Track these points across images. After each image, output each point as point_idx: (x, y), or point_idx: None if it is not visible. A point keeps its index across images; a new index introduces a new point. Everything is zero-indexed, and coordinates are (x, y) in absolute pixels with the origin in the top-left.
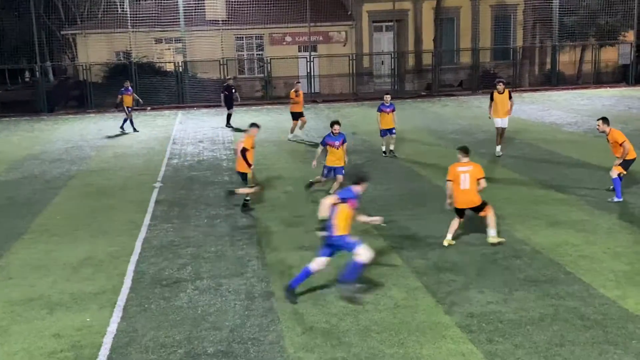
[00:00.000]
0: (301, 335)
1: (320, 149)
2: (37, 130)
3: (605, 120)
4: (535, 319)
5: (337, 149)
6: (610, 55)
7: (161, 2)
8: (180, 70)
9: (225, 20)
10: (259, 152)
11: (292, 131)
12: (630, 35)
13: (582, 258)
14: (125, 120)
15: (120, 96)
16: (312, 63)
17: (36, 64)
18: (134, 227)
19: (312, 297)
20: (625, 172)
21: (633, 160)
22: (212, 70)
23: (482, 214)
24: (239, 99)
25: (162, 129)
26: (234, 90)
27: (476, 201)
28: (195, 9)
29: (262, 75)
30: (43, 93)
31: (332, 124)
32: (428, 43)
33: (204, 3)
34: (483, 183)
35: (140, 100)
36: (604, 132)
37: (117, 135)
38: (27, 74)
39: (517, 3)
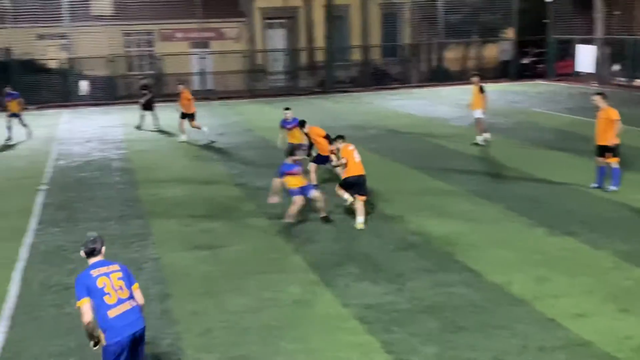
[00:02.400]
0: (199, 335)
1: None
2: None
3: (603, 96)
4: (428, 307)
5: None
6: (492, 52)
7: None
8: (66, 67)
9: (113, 16)
10: (152, 151)
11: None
12: (510, 33)
13: (470, 247)
14: (8, 129)
15: (7, 102)
16: (204, 60)
17: None
18: (19, 232)
19: (210, 297)
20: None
21: (618, 145)
22: (99, 68)
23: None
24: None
25: (46, 129)
26: (149, 91)
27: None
28: (80, 4)
29: (152, 72)
30: None
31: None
32: (320, 40)
33: None
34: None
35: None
36: (598, 107)
37: None
38: None
39: (404, 1)
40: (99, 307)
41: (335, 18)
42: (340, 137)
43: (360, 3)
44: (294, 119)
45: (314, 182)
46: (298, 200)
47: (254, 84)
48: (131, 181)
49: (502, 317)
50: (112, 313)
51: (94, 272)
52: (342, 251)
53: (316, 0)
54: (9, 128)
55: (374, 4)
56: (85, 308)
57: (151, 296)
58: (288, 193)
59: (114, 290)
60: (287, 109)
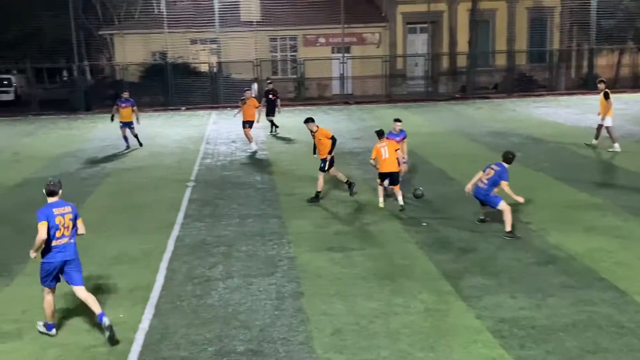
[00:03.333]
0: (330, 336)
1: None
2: (74, 128)
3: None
4: (568, 325)
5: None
6: None
7: (197, 3)
8: (215, 70)
9: (260, 21)
10: (291, 152)
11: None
12: None
13: (617, 264)
14: (125, 139)
15: (115, 107)
16: (345, 64)
17: (74, 63)
18: (167, 225)
19: (341, 298)
20: None
21: None
22: (245, 71)
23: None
24: (280, 108)
25: (195, 129)
26: (275, 96)
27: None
28: (230, 10)
29: (295, 76)
30: (80, 92)
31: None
32: (463, 45)
33: (238, 4)
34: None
35: (139, 120)
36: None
37: (151, 135)
38: (64, 73)
39: (554, 5)
40: (49, 236)
41: (479, 22)
42: (379, 134)
43: (507, 7)
44: (401, 131)
45: (319, 189)
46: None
47: (392, 88)
48: (270, 181)
49: None
50: (55, 243)
51: (55, 211)
52: (477, 261)
53: (461, 4)
54: (126, 138)
55: (522, 8)
56: (44, 228)
57: (285, 294)
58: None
59: (64, 228)
60: (397, 120)
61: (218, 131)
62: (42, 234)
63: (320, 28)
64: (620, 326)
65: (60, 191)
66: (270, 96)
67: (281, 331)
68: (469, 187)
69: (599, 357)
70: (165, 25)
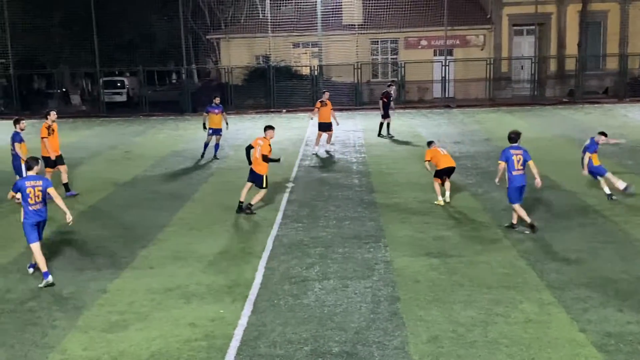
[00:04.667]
0: (426, 343)
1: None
2: (181, 129)
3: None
4: None
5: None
6: None
7: (300, 8)
8: (316, 73)
9: (362, 25)
10: (389, 156)
11: (316, 143)
12: None
13: None
14: (206, 146)
15: (205, 114)
16: (447, 67)
17: (183, 66)
18: (267, 224)
19: (438, 305)
20: None
21: None
22: (346, 74)
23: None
24: (394, 108)
25: (296, 131)
26: (392, 98)
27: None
28: (332, 14)
29: (395, 79)
30: (188, 94)
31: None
32: (571, 48)
33: (341, 8)
34: None
35: (228, 125)
36: None
37: (253, 136)
38: (173, 76)
39: None
40: (25, 202)
41: (590, 24)
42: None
43: (619, 8)
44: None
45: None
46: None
47: (496, 92)
48: (368, 184)
49: None
50: (31, 208)
51: (28, 183)
52: (582, 272)
53: (570, 5)
54: (206, 145)
55: (636, 9)
56: (18, 195)
57: (381, 297)
58: None
59: (35, 197)
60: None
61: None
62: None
63: (423, 30)
64: None
65: (36, 167)
66: (384, 99)
67: (376, 335)
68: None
69: None
70: (269, 29)
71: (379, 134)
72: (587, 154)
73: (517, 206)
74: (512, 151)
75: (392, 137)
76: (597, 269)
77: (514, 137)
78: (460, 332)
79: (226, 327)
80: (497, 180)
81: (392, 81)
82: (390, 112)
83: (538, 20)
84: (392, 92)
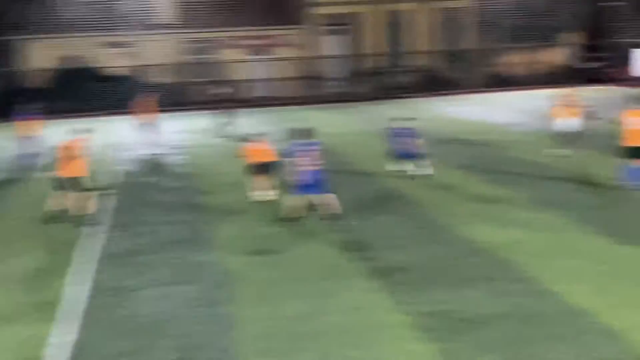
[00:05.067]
0: (256, 340)
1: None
2: None
3: None
4: (488, 316)
5: None
6: (555, 57)
7: (110, 7)
8: (129, 74)
9: (176, 24)
10: (213, 157)
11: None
12: (575, 37)
13: (531, 256)
14: (19, 156)
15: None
16: (261, 66)
17: None
18: (86, 234)
19: (267, 302)
20: None
21: None
22: (163, 75)
23: None
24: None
25: (115, 135)
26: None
27: None
28: (144, 13)
29: (213, 79)
30: None
31: None
32: (380, 46)
33: (154, 7)
34: None
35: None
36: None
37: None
38: None
39: (465, 6)
40: None
41: (395, 24)
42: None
43: (421, 9)
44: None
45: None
46: None
47: (311, 90)
48: (193, 186)
49: (563, 328)
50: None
51: None
52: (402, 258)
53: (379, 5)
54: (21, 155)
55: (435, 10)
56: None
57: (211, 300)
58: None
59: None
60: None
61: (131, 137)
62: None
63: (236, 30)
64: (537, 315)
65: None
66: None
67: (205, 338)
68: None
69: (519, 346)
70: (75, 29)
71: (219, 135)
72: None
73: (316, 197)
74: (303, 147)
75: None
76: (416, 254)
77: (304, 133)
78: (290, 326)
79: (37, 349)
80: (288, 176)
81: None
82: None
83: (347, 20)
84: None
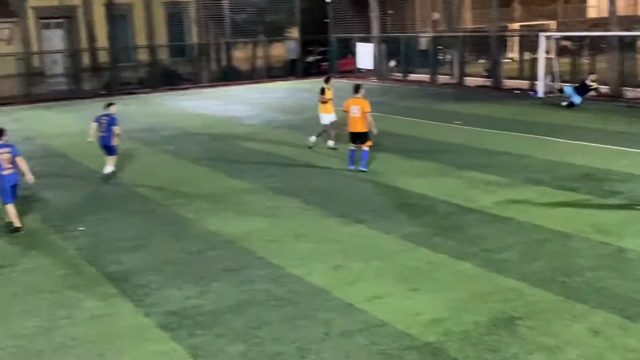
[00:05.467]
0: None
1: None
2: None
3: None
4: (232, 306)
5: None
6: (279, 51)
7: None
8: None
9: None
10: None
11: None
12: (295, 32)
13: (270, 242)
14: None
15: None
16: None
17: None
18: None
19: None
20: None
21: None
22: None
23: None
24: None
25: None
26: None
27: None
28: None
29: None
30: None
31: None
32: (103, 40)
33: None
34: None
35: None
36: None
37: None
38: None
39: (189, 1)
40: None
41: (117, 17)
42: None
43: (143, 2)
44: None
45: None
46: None
47: (32, 88)
48: None
49: (305, 307)
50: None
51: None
52: (139, 259)
53: None
54: None
55: (158, 4)
56: None
57: None
58: None
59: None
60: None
61: None
62: None
63: None
64: (279, 299)
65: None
66: None
67: None
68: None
69: (264, 331)
70: None
71: None
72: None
73: (9, 206)
74: None
75: None
76: (154, 253)
77: None
78: (23, 344)
79: None
80: None
81: None
82: None
83: (65, 13)
84: None
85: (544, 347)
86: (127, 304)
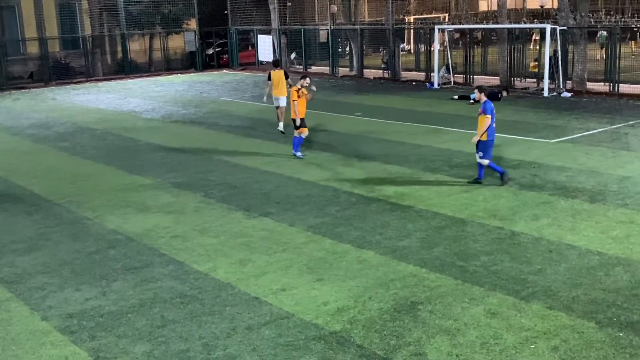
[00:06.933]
0: None
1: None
2: None
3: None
4: (135, 305)
5: None
6: (178, 43)
7: None
8: None
9: None
10: None
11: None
12: (193, 24)
13: (174, 238)
14: None
15: None
16: None
17: None
18: None
19: None
20: None
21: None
22: None
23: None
24: None
25: None
26: None
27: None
28: None
29: None
30: None
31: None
32: None
33: None
34: None
35: None
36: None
37: None
38: None
39: None
40: None
41: (4, 8)
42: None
43: None
44: None
45: None
46: None
47: None
48: None
49: (210, 303)
50: None
51: None
52: (34, 261)
53: None
54: None
55: None
56: None
57: None
58: None
59: None
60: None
61: None
62: None
63: None
64: (184, 296)
65: None
66: None
67: None
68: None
69: (169, 330)
70: None
71: None
72: None
73: None
74: None
75: None
76: (50, 254)
77: None
78: None
79: None
80: None
81: None
82: None
83: None
84: None
85: (445, 330)
86: (23, 308)
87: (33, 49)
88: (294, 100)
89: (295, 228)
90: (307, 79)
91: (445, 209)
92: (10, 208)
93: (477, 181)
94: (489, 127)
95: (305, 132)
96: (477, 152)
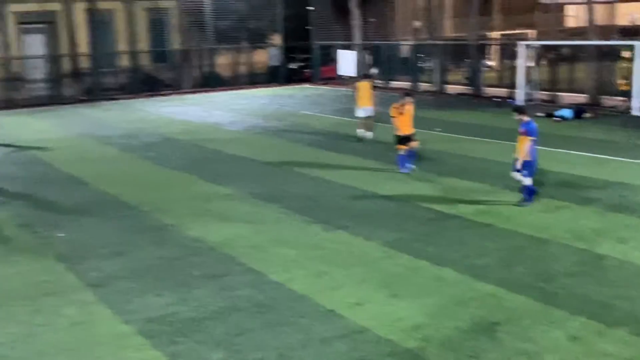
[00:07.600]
0: None
1: None
2: None
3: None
4: (213, 313)
5: None
6: (262, 58)
7: None
8: None
9: None
10: None
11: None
12: (277, 39)
13: (252, 248)
14: None
15: None
16: None
17: None
18: None
19: None
20: None
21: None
22: None
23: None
24: None
25: None
26: None
27: None
28: None
29: None
30: None
31: None
32: (84, 46)
33: None
34: None
35: None
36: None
37: None
38: None
39: (171, 7)
40: None
41: (99, 23)
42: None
43: (125, 8)
44: None
45: None
46: None
47: (12, 93)
48: None
49: (286, 314)
50: None
51: None
52: (118, 266)
53: (77, 3)
54: None
55: (140, 9)
56: None
57: None
58: None
59: None
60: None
61: None
62: None
63: None
64: (260, 305)
65: None
66: None
67: None
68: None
69: (245, 338)
70: None
71: None
72: None
73: None
74: None
75: None
76: (134, 259)
77: None
78: (3, 351)
79: None
80: None
81: None
82: None
83: (46, 18)
84: None
85: (523, 352)
86: (107, 311)
87: (125, 62)
88: (393, 117)
89: (372, 242)
90: (410, 97)
91: (526, 228)
92: (99, 214)
93: (531, 197)
94: (530, 147)
95: (413, 145)
96: (522, 171)
